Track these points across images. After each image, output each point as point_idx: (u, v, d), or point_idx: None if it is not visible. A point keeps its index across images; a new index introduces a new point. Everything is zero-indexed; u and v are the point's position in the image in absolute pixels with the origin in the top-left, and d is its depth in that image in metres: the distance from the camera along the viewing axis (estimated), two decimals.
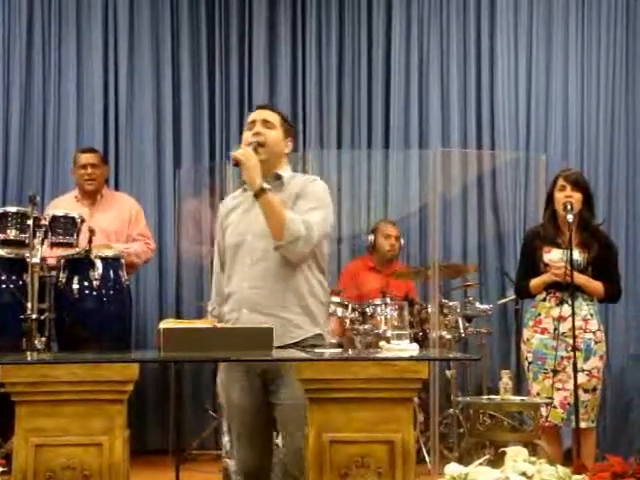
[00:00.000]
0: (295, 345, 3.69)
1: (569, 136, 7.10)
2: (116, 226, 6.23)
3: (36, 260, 5.30)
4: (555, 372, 5.06)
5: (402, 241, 6.83)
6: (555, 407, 5.03)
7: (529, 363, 5.19)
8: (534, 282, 5.20)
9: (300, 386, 3.37)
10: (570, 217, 4.97)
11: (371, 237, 6.77)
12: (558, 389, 5.05)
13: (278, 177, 3.82)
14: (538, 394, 5.09)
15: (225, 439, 4.65)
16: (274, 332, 3.42)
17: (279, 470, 4.52)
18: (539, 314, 5.20)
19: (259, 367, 3.66)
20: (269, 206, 3.63)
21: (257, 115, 3.86)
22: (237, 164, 3.67)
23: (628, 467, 3.99)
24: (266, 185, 3.64)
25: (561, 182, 5.16)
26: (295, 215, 3.66)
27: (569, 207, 5.02)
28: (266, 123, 3.81)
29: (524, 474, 3.52)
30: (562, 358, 5.05)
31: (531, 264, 5.25)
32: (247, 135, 3.82)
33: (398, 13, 7.22)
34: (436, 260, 6.12)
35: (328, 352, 3.69)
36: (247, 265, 3.72)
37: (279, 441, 4.55)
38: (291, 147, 3.94)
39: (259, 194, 3.62)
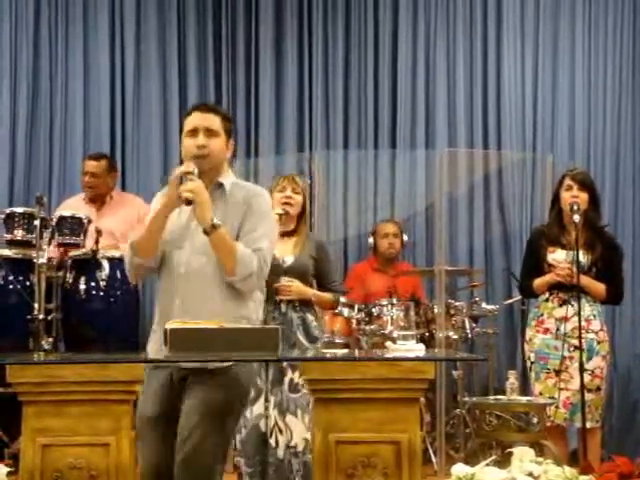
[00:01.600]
0: (214, 371, 3.51)
1: (576, 136, 7.09)
2: (123, 228, 6.22)
3: (43, 260, 5.32)
4: (558, 372, 5.06)
5: (405, 237, 6.78)
6: (558, 407, 5.03)
7: (531, 363, 5.18)
8: (538, 282, 5.20)
9: (210, 396, 3.39)
10: (577, 217, 4.96)
11: (371, 240, 6.76)
12: (561, 389, 5.05)
13: (220, 185, 3.66)
14: (541, 394, 5.09)
15: (237, 438, 4.66)
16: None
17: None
18: (542, 314, 5.19)
19: (181, 374, 3.51)
20: (221, 243, 3.49)
21: (199, 122, 3.64)
22: (189, 202, 3.49)
23: (635, 467, 3.99)
24: (217, 221, 3.47)
25: (568, 182, 5.15)
26: (246, 249, 3.52)
27: (576, 207, 5.01)
28: (209, 132, 3.62)
29: (531, 474, 3.52)
30: (565, 358, 5.05)
31: (535, 263, 5.24)
32: (189, 144, 3.62)
33: (404, 14, 7.22)
34: (442, 260, 6.11)
35: (334, 352, 3.69)
36: (181, 276, 3.58)
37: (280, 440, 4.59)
38: (232, 150, 3.75)
39: (210, 231, 3.47)
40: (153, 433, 3.50)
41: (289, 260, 4.74)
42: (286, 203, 4.75)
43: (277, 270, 4.64)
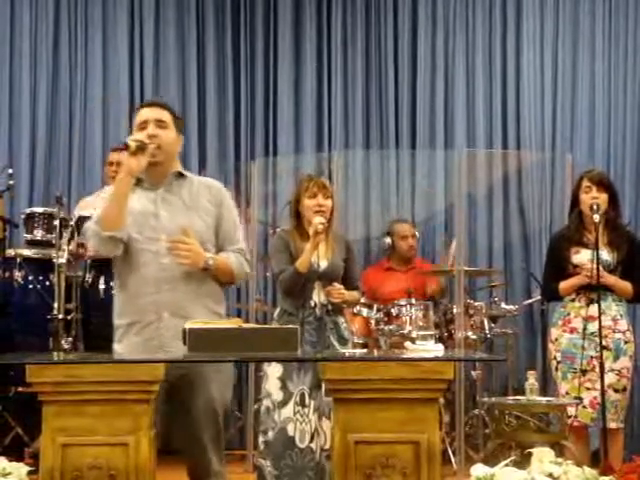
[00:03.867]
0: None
1: (595, 135, 7.07)
2: None
3: (62, 260, 5.33)
4: (584, 372, 5.04)
5: (417, 236, 6.80)
6: (585, 407, 5.01)
7: (558, 362, 5.16)
8: (564, 285, 5.16)
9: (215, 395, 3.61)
10: (597, 217, 4.95)
11: (388, 240, 6.74)
12: (588, 389, 5.03)
13: (180, 175, 3.79)
14: (567, 393, 5.06)
15: (260, 439, 4.67)
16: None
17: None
18: (568, 314, 5.16)
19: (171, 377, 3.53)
20: (220, 271, 3.73)
21: (149, 114, 3.74)
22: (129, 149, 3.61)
23: None
24: (210, 262, 3.68)
25: (586, 183, 5.14)
26: (235, 256, 3.77)
27: (595, 208, 5.00)
28: (160, 123, 3.72)
29: (550, 475, 3.51)
30: (591, 358, 5.02)
31: (558, 266, 5.21)
32: (140, 136, 3.71)
33: (424, 14, 7.22)
34: (461, 260, 6.10)
35: (353, 352, 3.69)
36: (164, 266, 3.68)
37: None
38: (181, 145, 3.88)
39: (208, 268, 3.68)
40: None
41: (323, 264, 4.72)
42: (319, 211, 4.71)
43: (312, 275, 4.65)
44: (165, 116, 3.75)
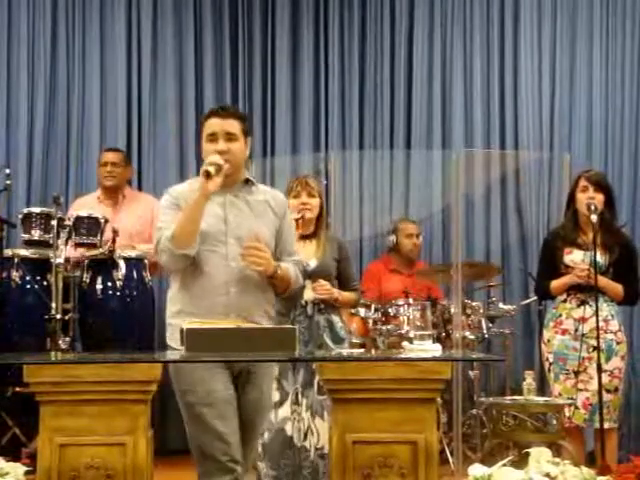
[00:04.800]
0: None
1: (593, 135, 7.07)
2: (138, 226, 6.24)
3: (60, 260, 5.33)
4: (577, 373, 5.04)
5: (421, 239, 6.81)
6: (577, 408, 5.02)
7: (550, 364, 5.17)
8: (555, 284, 5.18)
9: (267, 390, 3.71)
10: (594, 217, 4.95)
11: (393, 237, 6.72)
12: (580, 390, 5.04)
13: (247, 181, 3.82)
14: (560, 394, 5.07)
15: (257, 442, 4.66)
16: None
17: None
18: (560, 315, 5.18)
19: (238, 368, 3.69)
20: (281, 280, 3.75)
21: (219, 127, 3.72)
22: (208, 175, 3.59)
23: None
24: (279, 270, 3.70)
25: (583, 183, 5.14)
26: (293, 267, 3.81)
27: (593, 208, 5.00)
28: (229, 136, 3.71)
29: (548, 475, 3.51)
30: (584, 359, 5.03)
31: (551, 265, 5.23)
32: (209, 149, 3.70)
33: (421, 13, 7.22)
34: (459, 261, 6.10)
35: (351, 352, 3.69)
36: (232, 269, 3.69)
37: (306, 443, 4.59)
38: (249, 148, 3.86)
39: (275, 276, 3.71)
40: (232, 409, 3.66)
41: (313, 264, 4.73)
42: (303, 209, 4.72)
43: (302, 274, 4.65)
44: (234, 126, 3.73)
